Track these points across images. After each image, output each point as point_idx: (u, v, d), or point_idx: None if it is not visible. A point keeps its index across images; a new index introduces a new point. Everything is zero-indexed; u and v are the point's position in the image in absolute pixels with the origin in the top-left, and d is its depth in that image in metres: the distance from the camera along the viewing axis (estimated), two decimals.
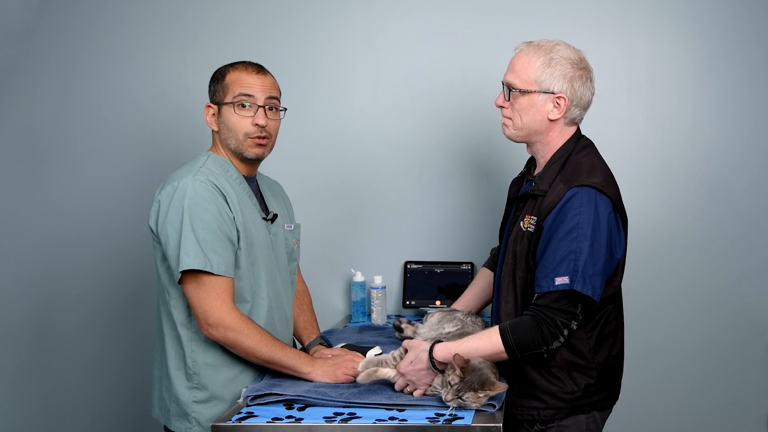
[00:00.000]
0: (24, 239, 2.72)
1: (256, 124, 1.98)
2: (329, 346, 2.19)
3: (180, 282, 1.87)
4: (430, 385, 1.78)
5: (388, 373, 1.84)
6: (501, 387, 1.68)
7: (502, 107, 1.99)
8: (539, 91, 1.91)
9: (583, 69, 1.95)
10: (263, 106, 1.99)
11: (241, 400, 1.81)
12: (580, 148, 1.96)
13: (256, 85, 1.99)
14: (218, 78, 2.02)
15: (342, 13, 2.90)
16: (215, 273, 1.84)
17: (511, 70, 1.95)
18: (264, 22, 2.91)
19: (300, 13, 2.91)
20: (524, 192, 2.00)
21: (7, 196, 2.66)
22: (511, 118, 1.96)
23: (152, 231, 1.93)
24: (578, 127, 2.03)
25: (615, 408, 2.10)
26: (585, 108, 1.98)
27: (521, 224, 1.94)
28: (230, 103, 1.97)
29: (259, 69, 2.03)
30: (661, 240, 2.84)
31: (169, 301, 1.95)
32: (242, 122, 1.98)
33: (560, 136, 1.97)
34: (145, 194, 2.86)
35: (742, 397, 2.83)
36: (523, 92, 1.92)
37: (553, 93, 1.91)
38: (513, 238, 1.95)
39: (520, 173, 2.18)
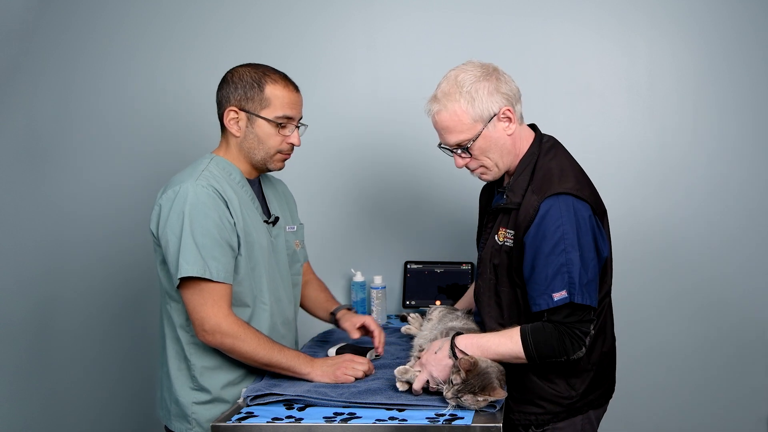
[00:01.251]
0: (24, 239, 2.72)
1: (291, 143, 1.99)
2: (355, 311, 2.22)
3: (178, 287, 1.87)
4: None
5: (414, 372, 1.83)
6: (500, 394, 1.67)
7: (466, 166, 1.93)
8: (486, 124, 1.86)
9: (491, 72, 1.89)
10: (298, 126, 2.00)
11: (241, 401, 1.81)
12: (545, 150, 1.91)
13: (297, 106, 1.99)
14: (252, 85, 1.94)
15: (342, 13, 2.90)
16: (214, 280, 1.84)
17: (448, 132, 1.87)
18: (264, 22, 2.91)
19: (300, 13, 2.91)
20: (496, 205, 1.95)
21: (7, 196, 2.65)
22: (482, 165, 1.91)
23: (153, 235, 1.93)
24: (537, 128, 1.99)
25: (615, 409, 2.10)
26: (520, 97, 1.92)
27: (496, 238, 1.90)
28: (271, 120, 1.95)
29: (296, 86, 2.01)
30: (661, 240, 2.84)
31: (169, 303, 1.95)
32: (278, 140, 1.97)
33: (523, 141, 1.92)
34: (145, 194, 2.86)
35: (742, 398, 2.83)
36: (476, 138, 1.86)
37: (495, 114, 1.86)
38: (489, 251, 1.93)
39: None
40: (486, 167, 1.92)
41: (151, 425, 2.91)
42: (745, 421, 2.84)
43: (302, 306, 2.30)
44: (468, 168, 1.94)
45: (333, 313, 2.25)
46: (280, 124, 1.95)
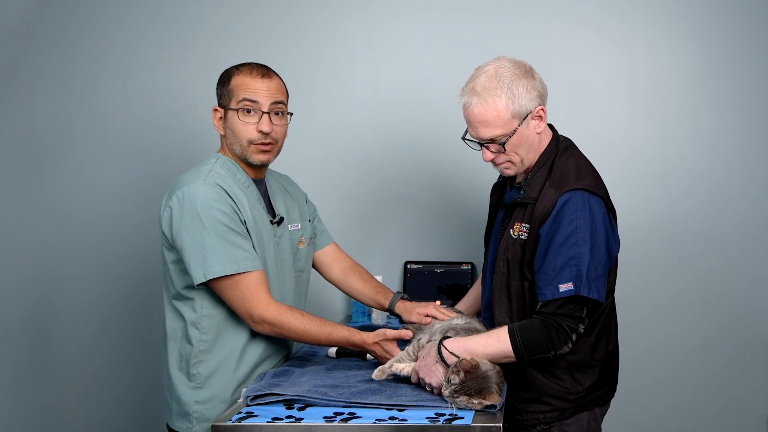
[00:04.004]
0: (24, 239, 2.72)
1: (260, 131, 1.94)
2: (410, 299, 2.17)
3: (209, 285, 1.87)
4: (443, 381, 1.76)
5: (403, 368, 1.83)
6: (496, 399, 1.67)
7: (492, 161, 1.93)
8: (521, 121, 1.86)
9: (528, 70, 1.90)
10: (268, 112, 1.95)
11: (241, 400, 1.81)
12: (562, 150, 1.94)
13: (261, 90, 1.94)
14: (224, 81, 1.98)
15: (342, 13, 2.90)
16: (249, 270, 1.86)
17: (485, 126, 1.85)
18: (264, 22, 2.91)
19: (300, 13, 2.91)
20: (513, 200, 1.97)
21: (7, 196, 2.65)
22: (509, 160, 1.91)
23: (166, 237, 1.92)
24: (554, 127, 2.01)
25: (616, 409, 2.10)
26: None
27: (511, 232, 1.92)
28: (234, 109, 1.94)
29: (265, 72, 1.97)
30: (661, 240, 2.84)
31: (181, 301, 1.94)
32: (246, 128, 1.94)
33: (546, 139, 1.95)
34: (145, 194, 2.87)
35: (742, 398, 2.83)
36: (512, 134, 1.86)
37: (530, 112, 1.87)
38: (503, 246, 1.94)
39: (500, 178, 2.13)
40: (513, 162, 1.92)
41: (152, 425, 2.92)
42: (745, 421, 2.84)
43: (351, 296, 2.30)
44: (494, 162, 1.94)
45: (390, 308, 2.18)
46: (244, 110, 1.93)
